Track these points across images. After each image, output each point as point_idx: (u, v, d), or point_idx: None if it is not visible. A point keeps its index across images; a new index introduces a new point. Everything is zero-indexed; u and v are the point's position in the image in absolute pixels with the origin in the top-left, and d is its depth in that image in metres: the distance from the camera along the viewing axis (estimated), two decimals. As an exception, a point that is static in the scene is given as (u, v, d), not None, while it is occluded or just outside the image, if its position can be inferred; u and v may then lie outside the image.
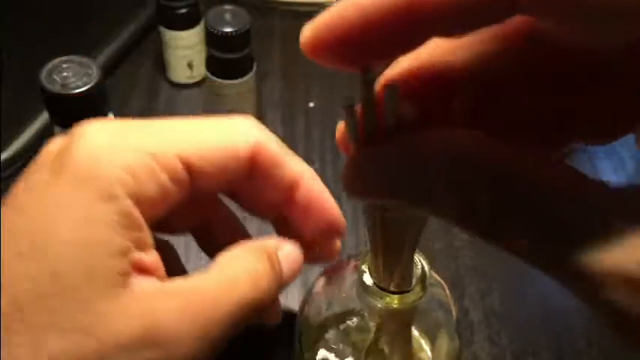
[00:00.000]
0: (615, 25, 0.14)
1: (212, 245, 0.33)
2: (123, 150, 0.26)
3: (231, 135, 0.29)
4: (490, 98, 0.19)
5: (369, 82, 0.18)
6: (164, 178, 0.26)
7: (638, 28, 0.14)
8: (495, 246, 0.16)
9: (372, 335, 0.31)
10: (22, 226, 0.24)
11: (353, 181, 0.19)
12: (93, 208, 0.24)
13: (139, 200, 0.25)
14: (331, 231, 0.31)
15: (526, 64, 0.18)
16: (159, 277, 0.26)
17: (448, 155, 0.16)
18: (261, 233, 0.33)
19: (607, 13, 0.14)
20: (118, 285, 0.24)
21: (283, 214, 0.32)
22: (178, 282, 0.26)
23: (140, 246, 0.25)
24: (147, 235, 0.26)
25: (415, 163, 0.17)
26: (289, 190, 0.30)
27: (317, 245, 0.32)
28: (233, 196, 0.33)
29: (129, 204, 0.25)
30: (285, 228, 0.32)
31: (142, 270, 0.25)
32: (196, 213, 0.33)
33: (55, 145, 0.27)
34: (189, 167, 0.27)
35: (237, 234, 0.34)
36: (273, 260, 0.28)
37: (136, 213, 0.25)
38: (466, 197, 0.16)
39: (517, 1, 0.15)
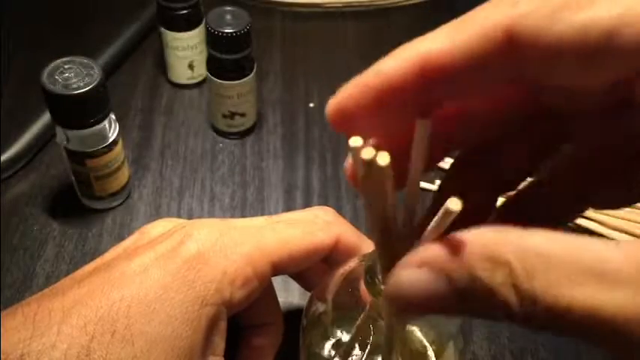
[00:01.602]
0: (593, 70, 0.16)
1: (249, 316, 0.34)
2: (227, 256, 0.28)
3: (316, 234, 0.31)
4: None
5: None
6: (255, 284, 0.29)
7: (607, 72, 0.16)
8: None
9: (372, 332, 0.31)
10: (123, 306, 0.26)
11: (398, 299, 0.19)
12: (190, 310, 0.27)
13: (229, 305, 0.28)
14: None
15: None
16: None
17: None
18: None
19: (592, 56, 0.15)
20: None
21: None
22: None
23: (215, 351, 0.28)
24: (223, 341, 0.29)
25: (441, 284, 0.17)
26: None
27: None
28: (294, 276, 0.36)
29: (221, 312, 0.28)
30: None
31: None
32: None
33: (158, 228, 0.31)
34: (275, 269, 0.30)
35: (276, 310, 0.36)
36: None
37: (223, 321, 0.28)
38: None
39: (515, 42, 0.16)
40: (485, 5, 0.17)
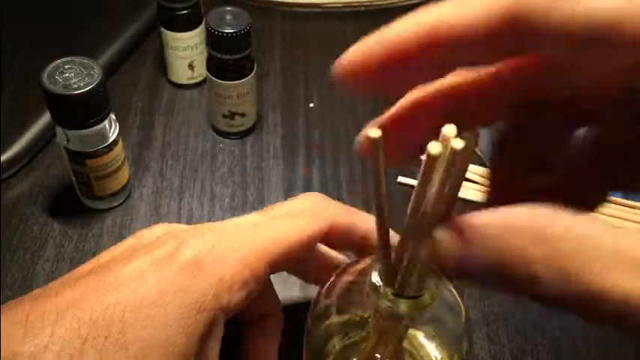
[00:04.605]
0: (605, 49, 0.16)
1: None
2: (224, 262, 0.28)
3: (309, 225, 0.31)
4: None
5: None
6: (253, 286, 0.29)
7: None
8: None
9: (374, 336, 0.31)
10: (117, 310, 0.26)
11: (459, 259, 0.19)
12: (186, 317, 0.26)
13: (226, 310, 0.28)
14: None
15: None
16: None
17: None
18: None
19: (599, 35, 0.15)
20: None
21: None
22: None
23: (209, 356, 0.28)
24: (218, 344, 0.29)
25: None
26: (360, 247, 0.33)
27: None
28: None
29: (218, 317, 0.28)
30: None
31: None
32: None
33: (154, 233, 0.30)
34: (272, 267, 0.30)
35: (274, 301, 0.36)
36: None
37: (221, 326, 0.28)
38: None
39: (517, 21, 0.16)
40: None
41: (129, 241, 0.31)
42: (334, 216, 0.32)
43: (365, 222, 0.33)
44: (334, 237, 0.32)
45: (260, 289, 0.30)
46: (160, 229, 0.31)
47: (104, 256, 0.30)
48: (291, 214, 0.32)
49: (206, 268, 0.28)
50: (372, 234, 0.33)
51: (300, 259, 0.32)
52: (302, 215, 0.32)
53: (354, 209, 0.34)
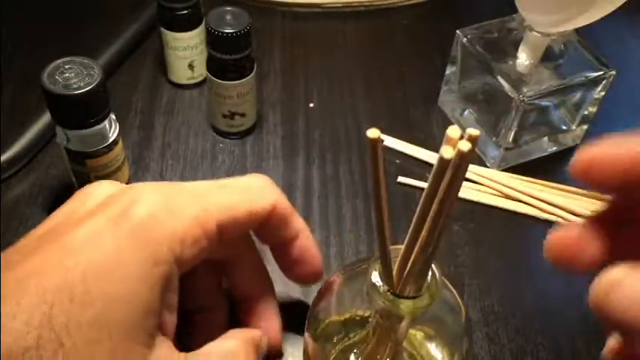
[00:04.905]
0: None
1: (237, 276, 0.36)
2: (176, 217, 0.29)
3: (256, 200, 0.33)
4: None
5: None
6: (204, 243, 0.30)
7: None
8: None
9: (373, 336, 0.31)
10: (78, 273, 0.26)
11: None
12: (144, 270, 0.27)
13: (180, 263, 0.29)
14: (313, 277, 0.36)
15: None
16: (169, 337, 0.29)
17: None
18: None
19: None
20: (146, 345, 0.27)
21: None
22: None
23: (169, 307, 0.29)
24: (177, 296, 0.29)
25: None
26: (289, 241, 0.35)
27: None
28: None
29: (173, 270, 0.28)
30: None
31: (162, 329, 0.29)
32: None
33: (101, 190, 0.30)
34: (221, 230, 0.30)
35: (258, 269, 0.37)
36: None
37: (176, 278, 0.29)
38: None
39: None
40: None
41: (74, 202, 0.31)
42: (277, 200, 0.33)
43: (299, 220, 0.35)
44: (272, 222, 0.33)
45: (210, 249, 0.31)
46: (105, 187, 0.31)
47: (52, 220, 0.30)
48: (241, 186, 0.33)
49: (160, 223, 0.28)
50: (303, 236, 0.35)
51: (243, 231, 0.33)
52: (251, 190, 0.33)
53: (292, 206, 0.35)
